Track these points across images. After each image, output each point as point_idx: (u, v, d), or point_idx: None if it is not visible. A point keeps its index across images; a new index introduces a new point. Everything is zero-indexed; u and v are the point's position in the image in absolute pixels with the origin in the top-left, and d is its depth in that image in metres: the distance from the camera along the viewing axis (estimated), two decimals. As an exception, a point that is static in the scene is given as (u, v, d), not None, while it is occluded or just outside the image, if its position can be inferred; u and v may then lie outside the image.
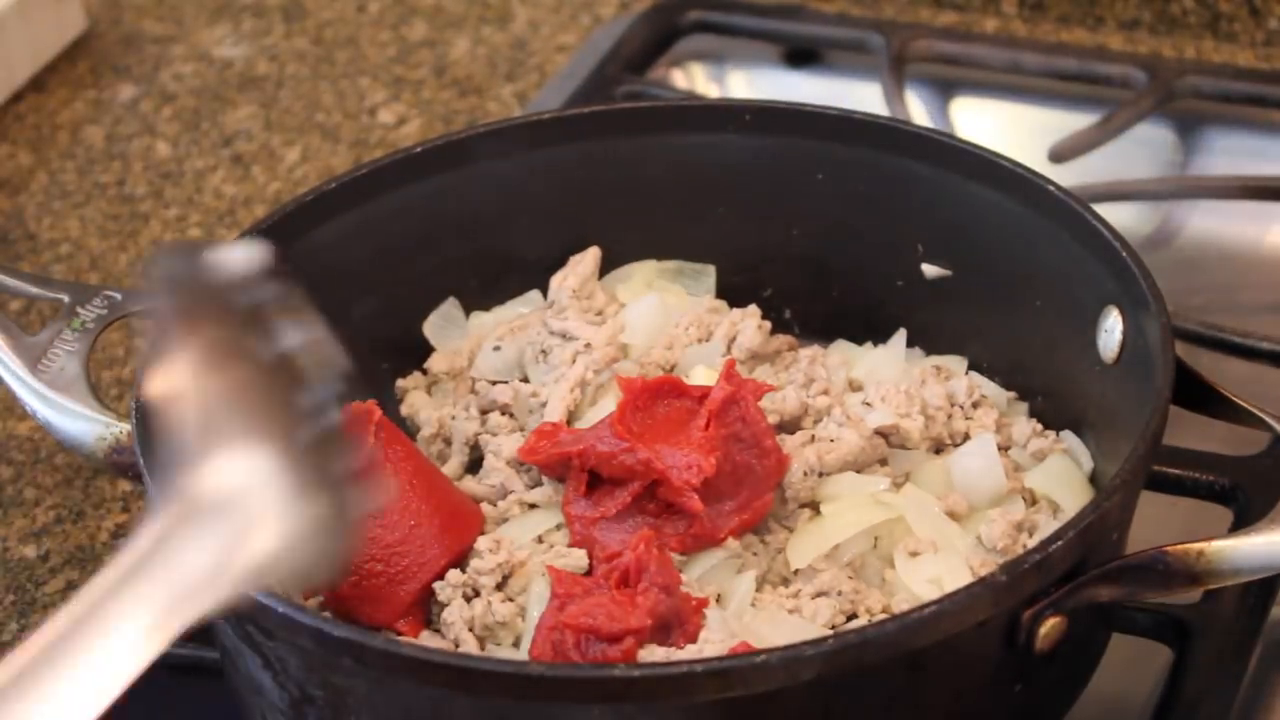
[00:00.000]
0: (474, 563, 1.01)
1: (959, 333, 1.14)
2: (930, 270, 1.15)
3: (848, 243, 1.16)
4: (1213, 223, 1.36)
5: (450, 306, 1.17)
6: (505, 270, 1.18)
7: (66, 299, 1.10)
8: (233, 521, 0.64)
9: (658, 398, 1.05)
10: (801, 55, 1.52)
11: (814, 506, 1.04)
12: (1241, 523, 1.08)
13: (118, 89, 1.56)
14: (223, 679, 1.01)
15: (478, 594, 1.00)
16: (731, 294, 1.18)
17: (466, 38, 1.58)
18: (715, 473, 1.01)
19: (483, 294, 1.18)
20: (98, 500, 1.22)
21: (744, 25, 1.52)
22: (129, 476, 1.05)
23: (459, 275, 1.17)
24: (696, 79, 1.52)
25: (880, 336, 1.16)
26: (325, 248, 1.12)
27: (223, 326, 0.62)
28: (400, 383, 1.16)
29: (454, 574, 1.00)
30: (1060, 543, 0.89)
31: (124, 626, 0.63)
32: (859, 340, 1.16)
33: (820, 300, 1.18)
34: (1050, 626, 0.90)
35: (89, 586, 0.65)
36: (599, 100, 1.41)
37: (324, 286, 1.11)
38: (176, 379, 0.62)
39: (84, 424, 1.05)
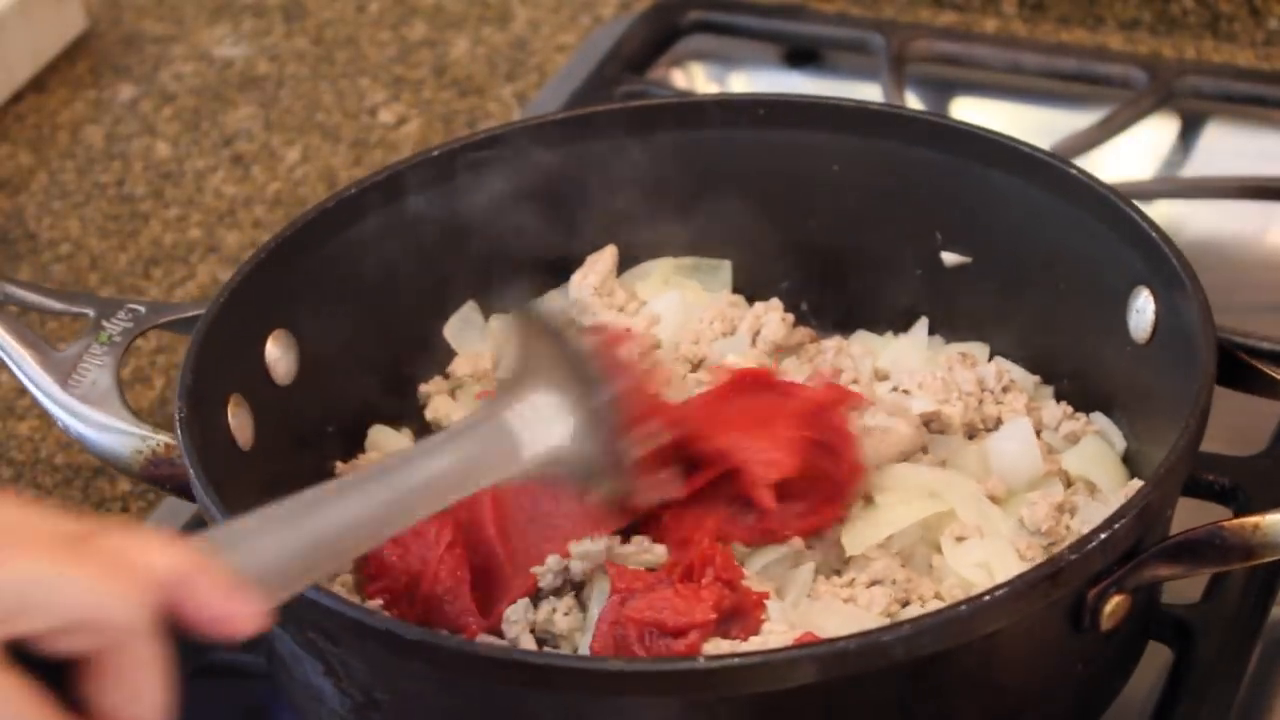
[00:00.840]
0: (576, 551, 1.01)
1: (980, 319, 1.15)
2: (949, 258, 1.15)
3: (865, 233, 1.17)
4: (1213, 223, 1.36)
5: (469, 310, 1.17)
6: (522, 272, 1.17)
7: (91, 313, 1.10)
8: (537, 422, 0.91)
9: (747, 389, 1.05)
10: (801, 55, 1.52)
11: (866, 495, 1.04)
12: (1242, 523, 1.08)
13: (118, 89, 1.56)
14: (243, 680, 1.01)
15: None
16: (748, 288, 1.18)
17: (466, 38, 1.58)
18: (795, 474, 1.00)
19: (501, 296, 1.17)
20: (98, 500, 1.22)
21: (744, 25, 1.52)
22: (168, 489, 1.05)
23: (477, 278, 1.17)
24: (697, 79, 1.52)
25: (899, 326, 1.16)
26: (345, 253, 1.12)
27: (549, 336, 0.94)
28: (423, 387, 1.16)
29: (554, 560, 1.00)
30: (1124, 520, 0.90)
31: (450, 465, 0.89)
32: (878, 330, 1.17)
33: (838, 292, 1.19)
34: (1114, 605, 0.92)
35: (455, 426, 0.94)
36: (599, 101, 1.41)
37: (343, 293, 1.12)
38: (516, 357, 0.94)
39: (119, 437, 1.04)
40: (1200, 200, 1.37)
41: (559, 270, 1.18)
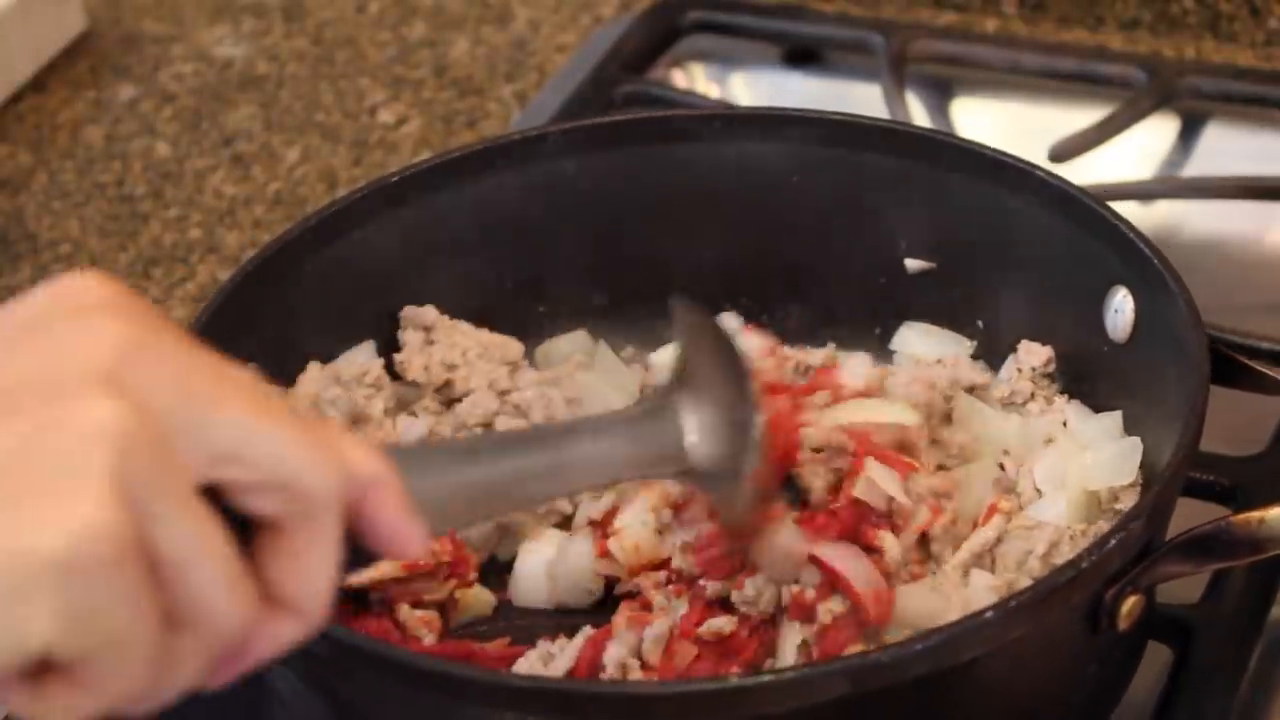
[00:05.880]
0: None
1: (949, 326, 1.14)
2: (913, 264, 1.14)
3: (826, 244, 1.16)
4: (1213, 223, 1.36)
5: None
6: (486, 299, 1.16)
7: None
8: (684, 428, 0.90)
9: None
10: (802, 55, 1.52)
11: None
12: (1241, 523, 1.08)
13: (118, 89, 1.56)
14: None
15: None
16: (707, 303, 1.16)
17: (466, 38, 1.58)
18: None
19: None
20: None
21: (744, 25, 1.52)
22: None
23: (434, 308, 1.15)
24: (696, 79, 1.52)
25: (862, 337, 1.15)
26: (309, 287, 1.10)
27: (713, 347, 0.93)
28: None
29: None
30: (1139, 519, 0.90)
31: (611, 446, 0.88)
32: (839, 343, 1.16)
33: (799, 304, 1.18)
34: (1130, 605, 0.92)
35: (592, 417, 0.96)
36: (598, 101, 1.41)
37: (306, 329, 1.10)
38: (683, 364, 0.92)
39: None
40: (1200, 200, 1.37)
41: (524, 294, 1.17)
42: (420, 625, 1.01)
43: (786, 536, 0.97)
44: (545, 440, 0.88)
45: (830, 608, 0.96)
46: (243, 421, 0.69)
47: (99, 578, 0.64)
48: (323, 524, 0.71)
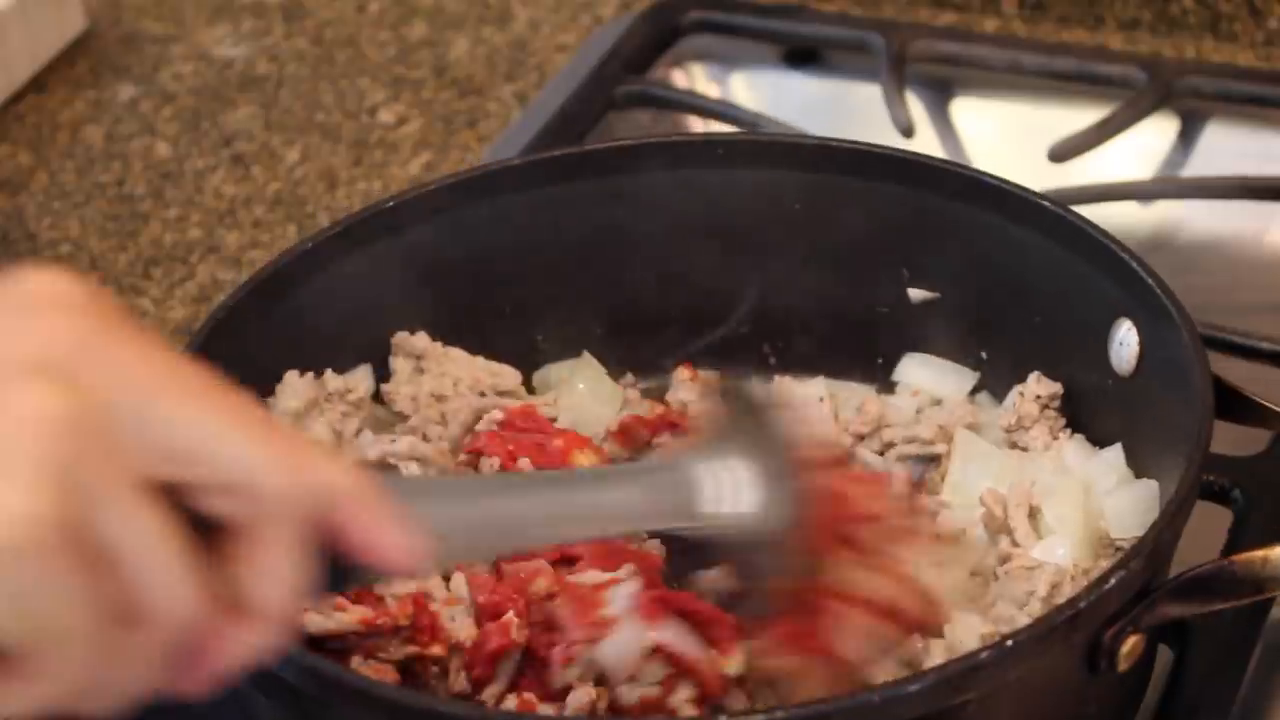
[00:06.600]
0: None
1: (952, 357, 1.14)
2: (916, 294, 1.14)
3: (827, 273, 1.15)
4: (1213, 223, 1.36)
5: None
6: (461, 322, 1.15)
7: None
8: (700, 484, 0.87)
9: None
10: (802, 55, 1.52)
11: None
12: (1241, 523, 1.08)
13: (118, 89, 1.56)
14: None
15: None
16: (708, 334, 1.17)
17: (466, 38, 1.58)
18: None
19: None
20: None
21: (744, 25, 1.52)
22: None
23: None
24: (697, 79, 1.52)
25: (863, 367, 1.15)
26: (292, 318, 1.09)
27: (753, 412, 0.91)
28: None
29: None
30: (1138, 558, 0.89)
31: (622, 495, 0.86)
32: (841, 373, 1.16)
33: (800, 334, 1.17)
34: (1131, 645, 0.90)
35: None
36: (598, 101, 1.41)
37: (289, 361, 1.08)
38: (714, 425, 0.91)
39: None
40: (1200, 200, 1.37)
41: (522, 322, 1.16)
42: (374, 675, 0.95)
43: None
44: (557, 484, 0.87)
45: (682, 697, 0.93)
46: (197, 419, 0.68)
47: (34, 564, 0.63)
48: (282, 528, 0.70)
